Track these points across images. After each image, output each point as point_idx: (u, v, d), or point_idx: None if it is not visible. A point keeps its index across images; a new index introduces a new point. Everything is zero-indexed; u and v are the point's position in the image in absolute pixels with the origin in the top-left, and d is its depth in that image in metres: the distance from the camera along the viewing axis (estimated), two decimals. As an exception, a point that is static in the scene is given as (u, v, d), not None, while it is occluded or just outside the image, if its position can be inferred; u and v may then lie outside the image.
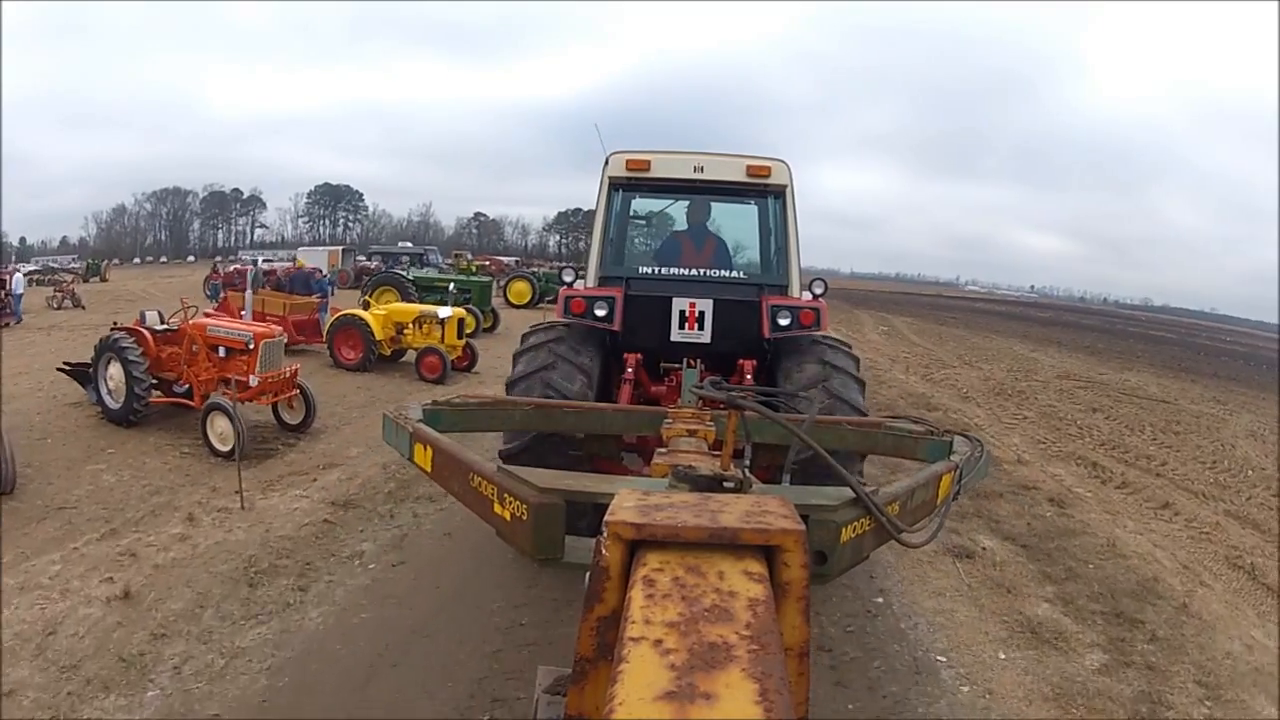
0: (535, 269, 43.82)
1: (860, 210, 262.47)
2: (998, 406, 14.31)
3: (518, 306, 31.07)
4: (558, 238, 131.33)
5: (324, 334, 15.29)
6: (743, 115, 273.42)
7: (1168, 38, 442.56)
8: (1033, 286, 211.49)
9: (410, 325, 14.43)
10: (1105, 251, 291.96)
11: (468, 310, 19.29)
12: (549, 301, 32.82)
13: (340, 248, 51.39)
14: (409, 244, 61.24)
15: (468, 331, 18.78)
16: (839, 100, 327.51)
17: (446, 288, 21.05)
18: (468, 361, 14.62)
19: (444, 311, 14.21)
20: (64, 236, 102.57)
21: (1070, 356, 27.52)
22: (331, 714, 3.97)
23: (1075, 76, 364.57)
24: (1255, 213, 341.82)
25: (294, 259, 26.44)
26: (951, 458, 3.27)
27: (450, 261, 56.78)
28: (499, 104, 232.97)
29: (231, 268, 37.69)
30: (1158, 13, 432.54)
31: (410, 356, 14.70)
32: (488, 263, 55.74)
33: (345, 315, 14.41)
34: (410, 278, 21.65)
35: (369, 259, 52.40)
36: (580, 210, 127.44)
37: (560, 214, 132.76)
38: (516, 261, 60.43)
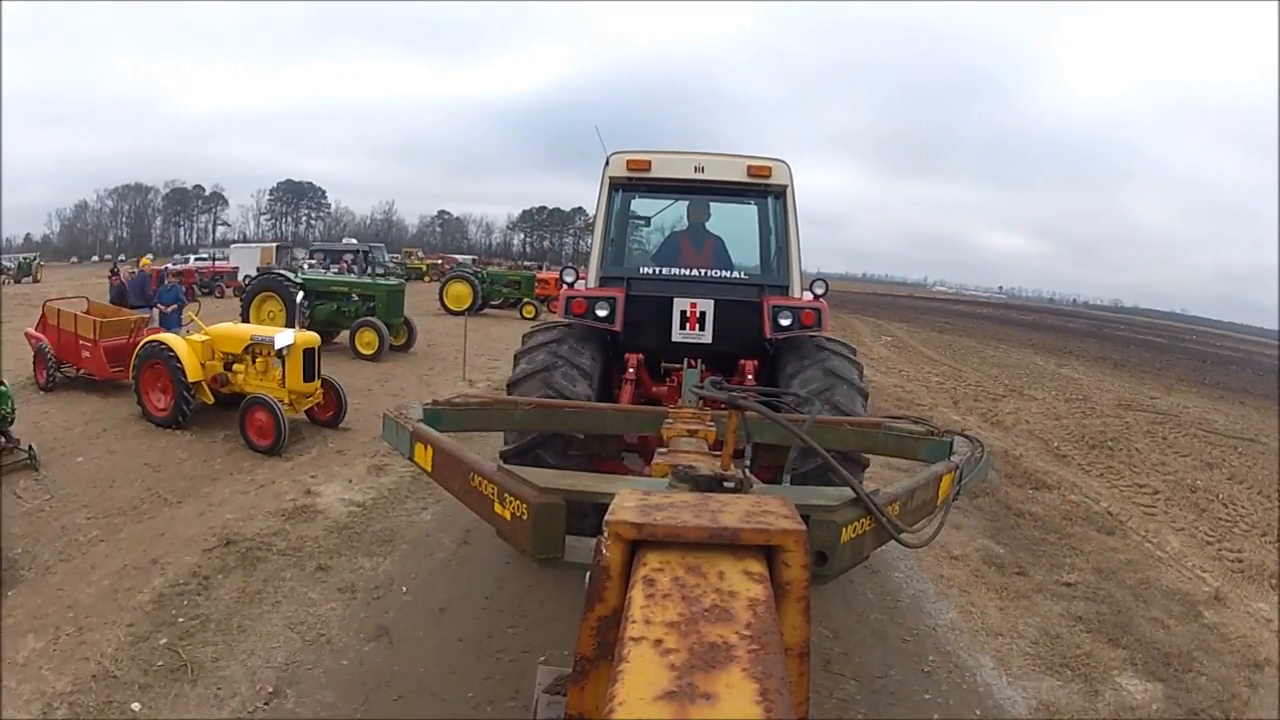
0: (486, 267, 37.54)
1: (824, 208, 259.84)
2: (1106, 469, 10.98)
3: (455, 313, 25.53)
4: (522, 236, 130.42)
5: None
6: (706, 112, 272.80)
7: (1136, 37, 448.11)
8: (1001, 287, 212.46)
9: (244, 357, 9.06)
10: (1071, 251, 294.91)
11: (369, 326, 14.12)
12: (495, 306, 27.41)
13: (274, 244, 45.65)
14: (354, 240, 55.88)
15: (367, 352, 13.74)
16: (803, 98, 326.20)
17: (347, 294, 15.71)
18: (333, 411, 9.36)
19: (282, 338, 8.97)
20: (28, 234, 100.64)
21: (1100, 372, 24.99)
22: None
23: (1043, 75, 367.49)
24: (1222, 212, 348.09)
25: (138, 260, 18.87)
26: (951, 458, 3.23)
27: (399, 259, 51.44)
28: (464, 101, 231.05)
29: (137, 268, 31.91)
30: (1126, 12, 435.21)
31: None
32: (440, 261, 50.17)
33: (150, 343, 9.37)
34: (299, 280, 16.12)
35: (310, 256, 46.76)
36: (545, 208, 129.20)
37: (525, 212, 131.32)
38: (474, 260, 54.42)
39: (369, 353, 14.92)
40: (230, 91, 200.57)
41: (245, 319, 15.52)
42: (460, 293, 27.18)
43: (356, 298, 16.13)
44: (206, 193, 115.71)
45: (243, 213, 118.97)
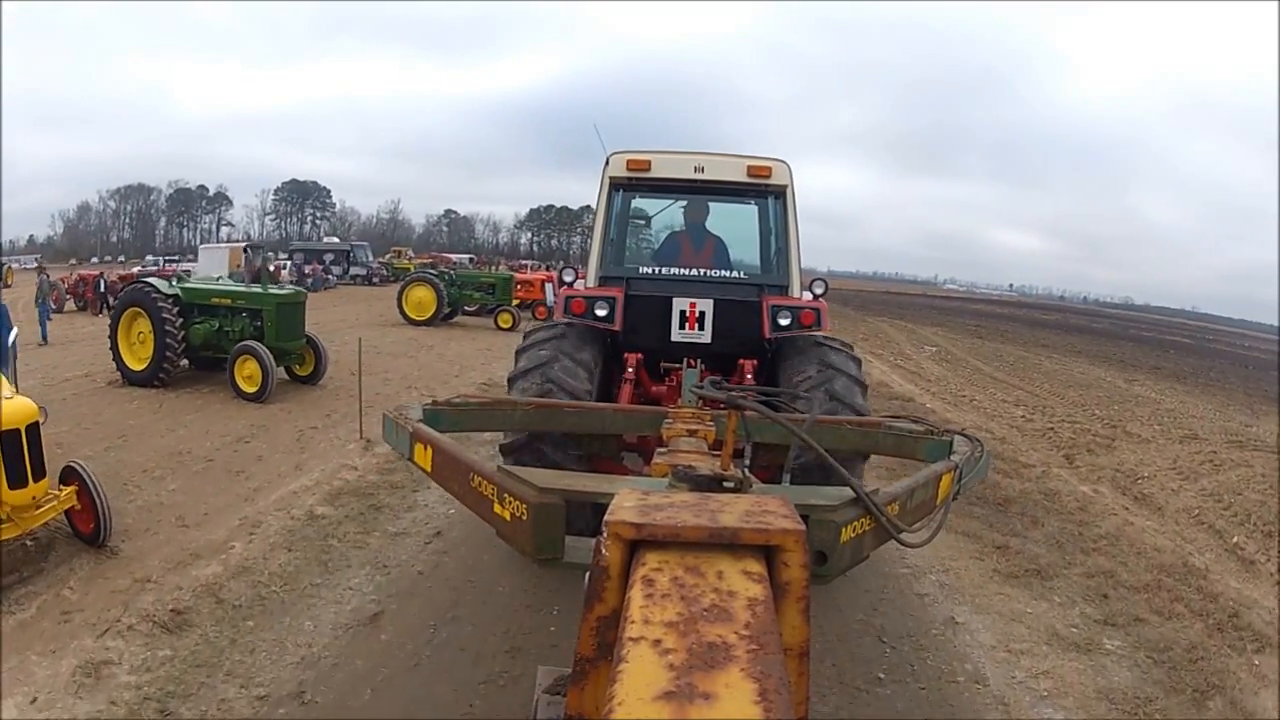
0: (486, 267, 32.16)
1: (835, 208, 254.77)
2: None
3: (417, 323, 21.70)
4: (530, 235, 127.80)
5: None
6: (714, 110, 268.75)
7: (1145, 34, 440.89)
8: (1011, 285, 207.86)
9: None
10: (1080, 249, 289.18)
11: (249, 353, 10.15)
12: (471, 313, 23.26)
13: (244, 244, 41.05)
14: (335, 239, 51.98)
15: (249, 389, 9.89)
16: (813, 96, 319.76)
17: (233, 307, 11.62)
18: (93, 522, 5.46)
19: None
20: (31, 235, 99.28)
21: (1171, 389, 22.09)
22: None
23: (1053, 73, 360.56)
24: (1230, 210, 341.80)
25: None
26: (951, 457, 3.17)
27: (384, 260, 47.42)
28: (467, 99, 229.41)
29: (76, 275, 27.91)
30: (1136, 9, 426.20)
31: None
32: (430, 260, 45.74)
33: None
34: (175, 291, 11.95)
35: (290, 257, 42.74)
36: (553, 207, 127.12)
37: (532, 211, 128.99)
38: (471, 260, 49.70)
39: (251, 390, 10.93)
40: (233, 91, 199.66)
41: (114, 345, 11.56)
42: (422, 299, 22.34)
43: (245, 314, 11.87)
44: (210, 193, 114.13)
45: (247, 213, 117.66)
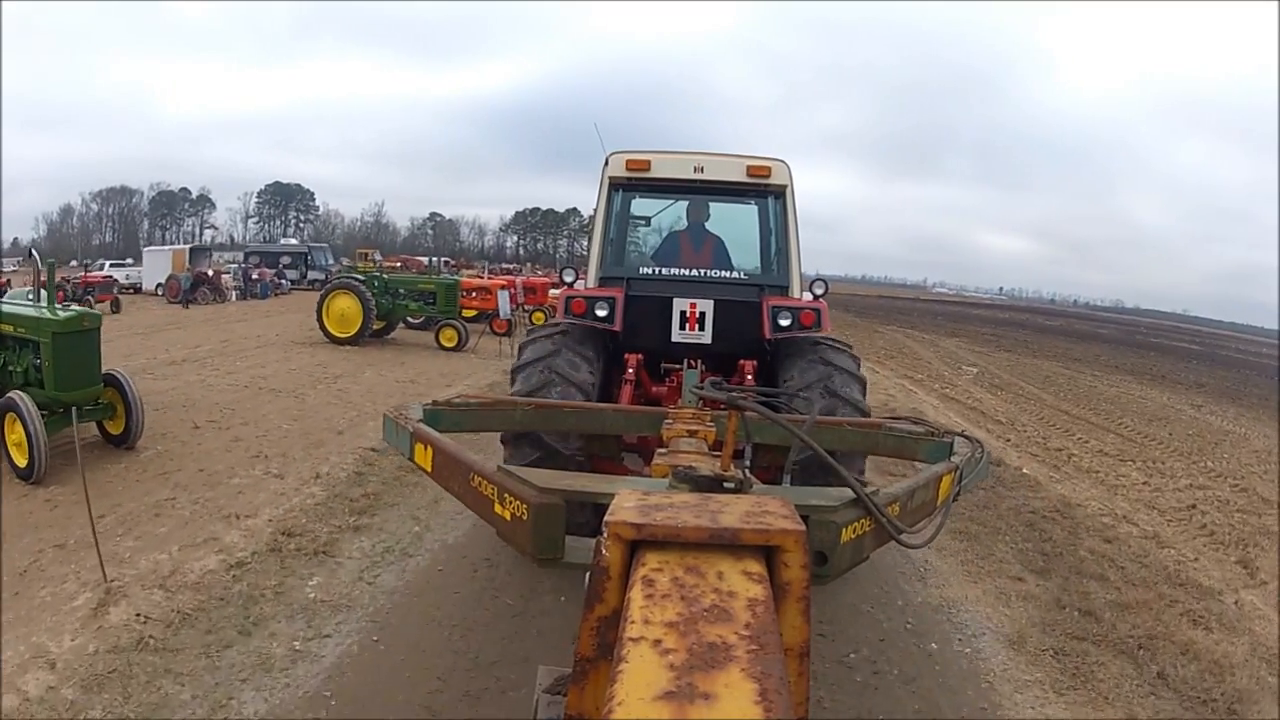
0: (459, 270, 26.83)
1: (822, 211, 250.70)
2: None
3: (341, 341, 17.48)
4: (515, 238, 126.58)
5: None
6: (698, 112, 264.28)
7: (1132, 33, 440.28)
8: (1002, 289, 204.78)
9: None
10: (1069, 252, 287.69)
11: (11, 409, 6.64)
12: (413, 326, 19.77)
13: (188, 246, 37.09)
14: (293, 241, 48.12)
15: (21, 462, 7.02)
16: (797, 99, 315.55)
17: (15, 336, 7.82)
18: None
19: None
20: (15, 238, 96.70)
21: (1235, 413, 19.69)
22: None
23: (1040, 73, 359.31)
24: (1219, 212, 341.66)
25: None
26: (952, 458, 3.14)
27: (348, 262, 43.68)
28: (453, 102, 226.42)
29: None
30: (1121, 9, 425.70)
31: None
32: (398, 264, 41.61)
33: None
34: None
35: (246, 260, 39.12)
36: (539, 210, 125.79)
37: (518, 214, 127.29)
38: (445, 262, 45.10)
39: (23, 464, 6.96)
40: (218, 94, 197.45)
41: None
42: (345, 310, 17.66)
43: (29, 346, 7.76)
44: (193, 195, 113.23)
45: (230, 215, 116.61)
